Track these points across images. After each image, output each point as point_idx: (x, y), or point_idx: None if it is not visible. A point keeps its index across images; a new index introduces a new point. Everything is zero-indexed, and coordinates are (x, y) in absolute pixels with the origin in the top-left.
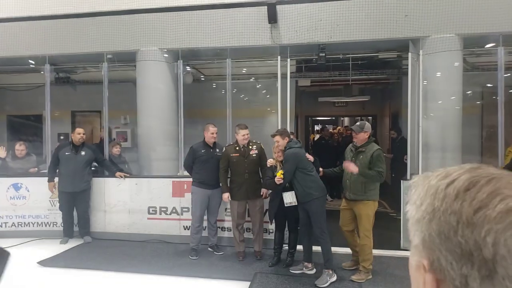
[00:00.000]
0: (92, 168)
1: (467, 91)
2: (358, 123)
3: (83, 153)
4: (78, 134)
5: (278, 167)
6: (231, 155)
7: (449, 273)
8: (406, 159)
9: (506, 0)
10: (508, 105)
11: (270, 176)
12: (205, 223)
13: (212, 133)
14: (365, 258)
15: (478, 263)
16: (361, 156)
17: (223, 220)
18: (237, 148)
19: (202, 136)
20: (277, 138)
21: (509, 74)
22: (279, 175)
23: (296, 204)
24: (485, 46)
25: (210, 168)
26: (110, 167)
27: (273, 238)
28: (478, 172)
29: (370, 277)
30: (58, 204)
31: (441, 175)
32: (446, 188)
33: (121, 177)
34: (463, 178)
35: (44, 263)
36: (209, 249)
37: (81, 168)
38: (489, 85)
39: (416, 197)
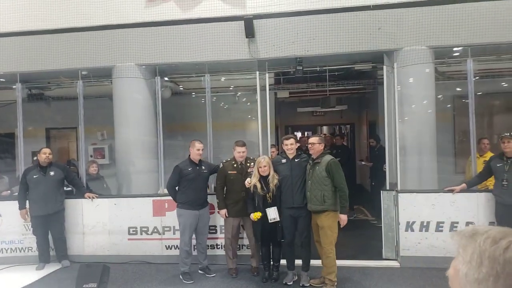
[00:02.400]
0: (68, 188)
1: (439, 98)
2: (316, 135)
3: (52, 173)
4: (44, 154)
5: (259, 187)
6: (229, 172)
7: None
8: (385, 168)
9: (472, 15)
10: (476, 108)
11: (250, 202)
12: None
13: (198, 150)
14: (330, 271)
15: None
16: (317, 167)
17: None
18: (235, 165)
19: (181, 146)
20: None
21: (477, 77)
22: (255, 217)
23: (278, 220)
24: (454, 54)
25: (197, 187)
26: (80, 187)
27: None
28: None
29: None
30: (32, 229)
31: (488, 239)
32: (504, 254)
33: (90, 198)
34: None
35: None
36: (199, 271)
37: (52, 189)
38: (459, 91)
39: (470, 258)
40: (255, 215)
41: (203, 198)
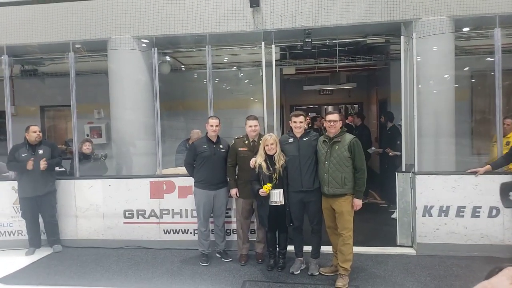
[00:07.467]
0: (62, 169)
1: (456, 75)
2: (334, 112)
3: (41, 151)
4: (34, 133)
5: (264, 167)
6: (239, 149)
7: None
8: (391, 153)
9: None
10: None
11: (255, 183)
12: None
13: (212, 126)
14: (346, 259)
15: None
16: (337, 147)
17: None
18: (246, 142)
19: (184, 128)
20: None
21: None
22: (266, 189)
23: (282, 204)
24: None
25: (213, 166)
26: (57, 163)
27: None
28: None
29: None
30: (21, 212)
31: None
32: None
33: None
34: None
35: (6, 280)
36: (217, 255)
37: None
38: (477, 68)
39: None
40: (266, 187)
41: (219, 178)
